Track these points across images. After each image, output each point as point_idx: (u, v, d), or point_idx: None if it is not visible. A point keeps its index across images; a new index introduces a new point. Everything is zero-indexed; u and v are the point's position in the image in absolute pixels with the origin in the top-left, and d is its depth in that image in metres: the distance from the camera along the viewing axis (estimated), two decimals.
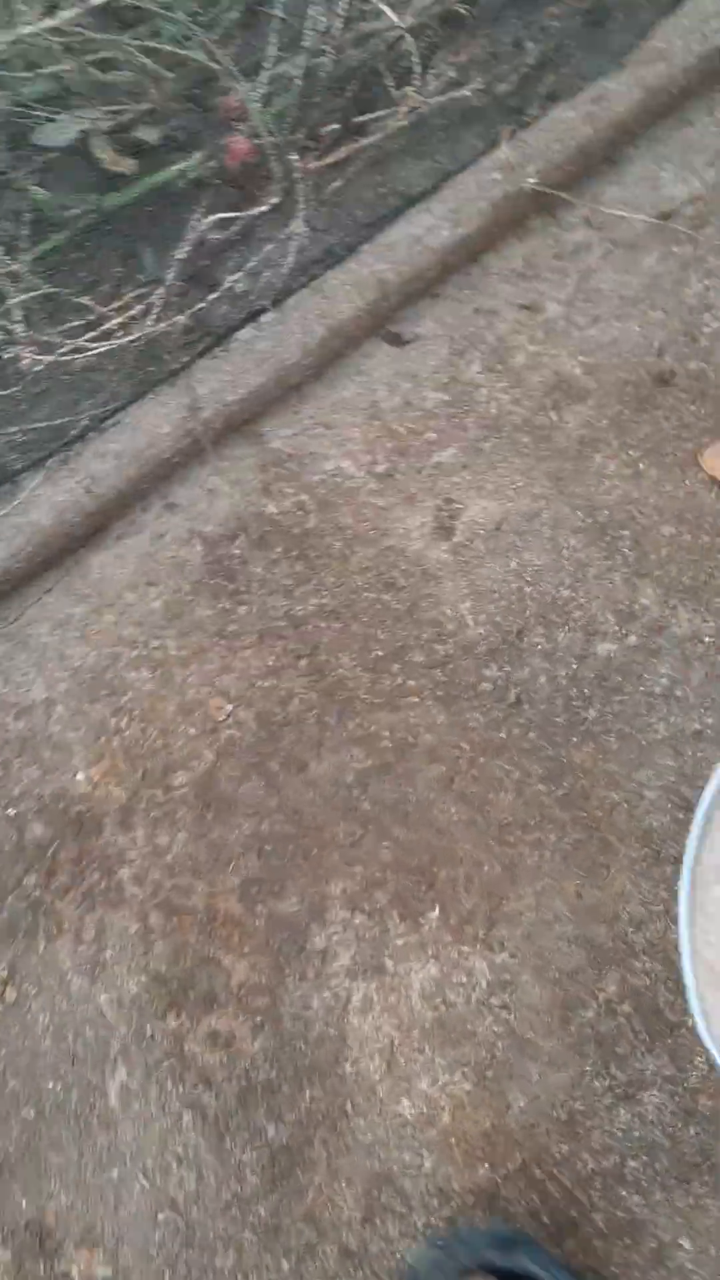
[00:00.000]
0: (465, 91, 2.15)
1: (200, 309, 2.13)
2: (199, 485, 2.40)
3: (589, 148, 2.23)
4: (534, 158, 2.20)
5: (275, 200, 2.11)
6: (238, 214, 2.10)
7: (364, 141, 2.14)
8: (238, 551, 2.34)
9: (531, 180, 2.18)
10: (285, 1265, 1.91)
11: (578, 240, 2.37)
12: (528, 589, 2.17)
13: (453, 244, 2.23)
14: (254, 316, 2.21)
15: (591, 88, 2.21)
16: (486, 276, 2.39)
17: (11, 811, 2.28)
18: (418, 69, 2.14)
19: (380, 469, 2.33)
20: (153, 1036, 2.08)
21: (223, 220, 2.09)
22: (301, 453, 2.37)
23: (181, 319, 2.13)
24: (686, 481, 2.15)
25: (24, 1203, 2.04)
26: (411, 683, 2.17)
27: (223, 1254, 1.94)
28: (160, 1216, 1.99)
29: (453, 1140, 1.90)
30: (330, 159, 2.12)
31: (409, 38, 2.11)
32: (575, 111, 2.21)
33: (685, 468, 2.16)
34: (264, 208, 2.09)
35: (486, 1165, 1.89)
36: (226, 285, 2.12)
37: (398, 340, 2.41)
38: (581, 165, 2.26)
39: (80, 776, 2.27)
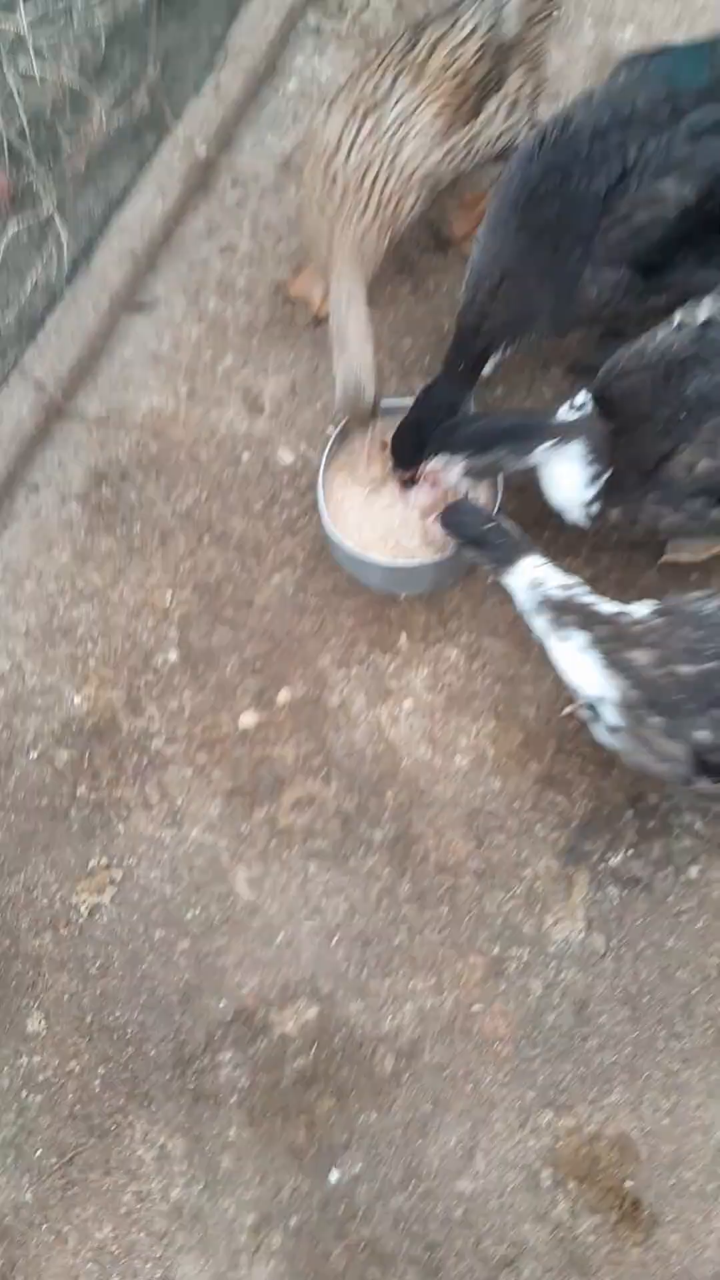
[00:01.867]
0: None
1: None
2: (50, 465, 2.88)
3: (225, 126, 3.02)
4: (198, 132, 2.96)
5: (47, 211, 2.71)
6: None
7: (86, 149, 2.80)
8: (108, 493, 2.85)
9: (202, 150, 2.93)
10: (444, 910, 2.44)
11: (236, 196, 3.13)
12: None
13: (165, 215, 2.93)
14: (53, 302, 2.78)
15: (209, 79, 3.01)
16: (184, 242, 3.08)
17: (34, 754, 2.63)
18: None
19: (183, 391, 2.94)
20: (250, 833, 2.53)
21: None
22: (118, 407, 2.93)
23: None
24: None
25: (223, 1004, 2.41)
26: (293, 510, 2.80)
27: (396, 933, 2.43)
28: (334, 941, 2.44)
29: (504, 760, 2.54)
30: (70, 167, 2.76)
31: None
32: (208, 98, 3.00)
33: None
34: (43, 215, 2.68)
35: (535, 764, 2.54)
36: (33, 282, 2.68)
37: (142, 306, 3.05)
38: (222, 137, 3.05)
39: (77, 700, 2.67)
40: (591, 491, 2.28)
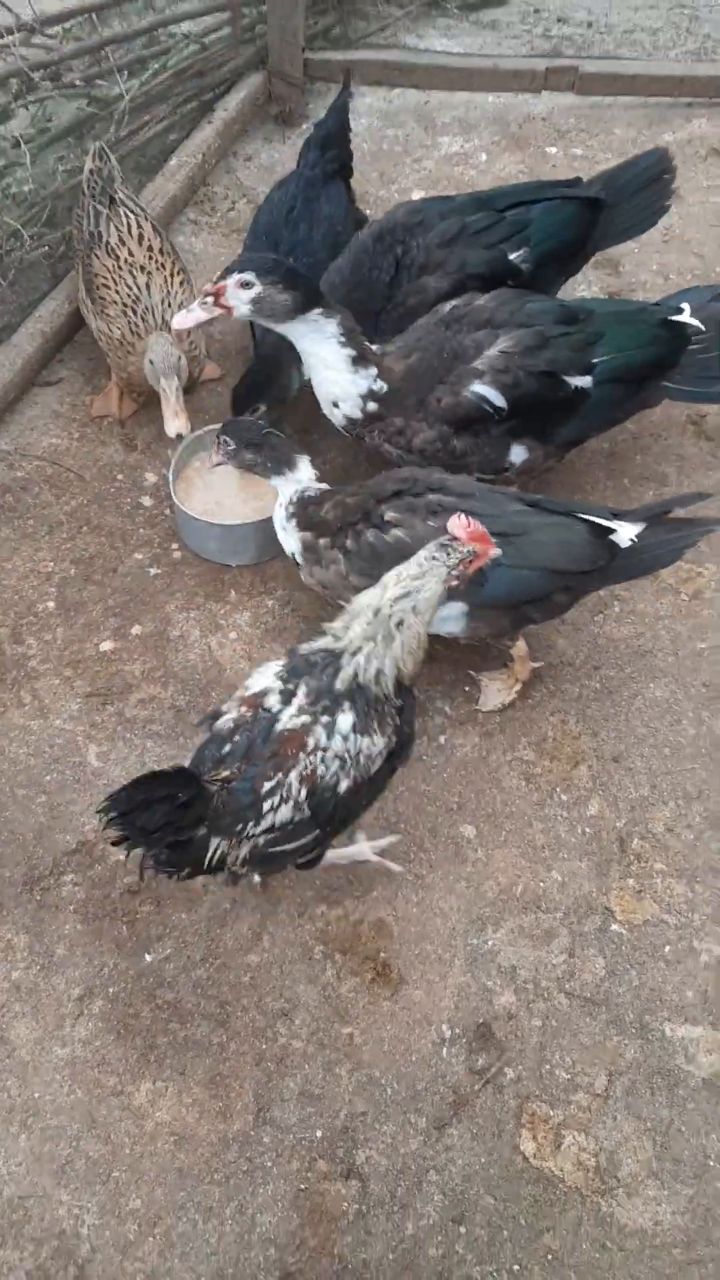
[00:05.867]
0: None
1: None
2: None
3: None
4: None
5: None
6: None
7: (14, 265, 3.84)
8: (10, 499, 3.68)
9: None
10: None
11: None
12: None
13: (69, 315, 3.94)
14: None
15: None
16: (86, 338, 4.06)
17: None
18: None
19: (76, 435, 3.85)
20: (101, 722, 3.20)
21: None
22: (24, 444, 3.81)
23: None
24: None
25: (68, 838, 3.00)
26: (153, 511, 3.64)
27: None
28: None
29: None
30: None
31: None
32: None
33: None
34: None
35: None
36: None
37: (48, 383, 4.00)
38: None
39: None
40: (362, 382, 3.13)
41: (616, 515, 2.92)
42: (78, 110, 4.70)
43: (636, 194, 3.70)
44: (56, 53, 4.53)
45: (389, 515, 2.89)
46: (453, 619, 2.92)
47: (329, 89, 5.10)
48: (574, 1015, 2.72)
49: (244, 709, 2.49)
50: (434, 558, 2.40)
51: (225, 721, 2.50)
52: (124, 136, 4.58)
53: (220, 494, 3.52)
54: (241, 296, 3.02)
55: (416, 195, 4.69)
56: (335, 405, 3.25)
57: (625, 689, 3.25)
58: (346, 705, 2.43)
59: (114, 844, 2.34)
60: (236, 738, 2.45)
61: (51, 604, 3.43)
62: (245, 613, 3.42)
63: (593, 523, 2.87)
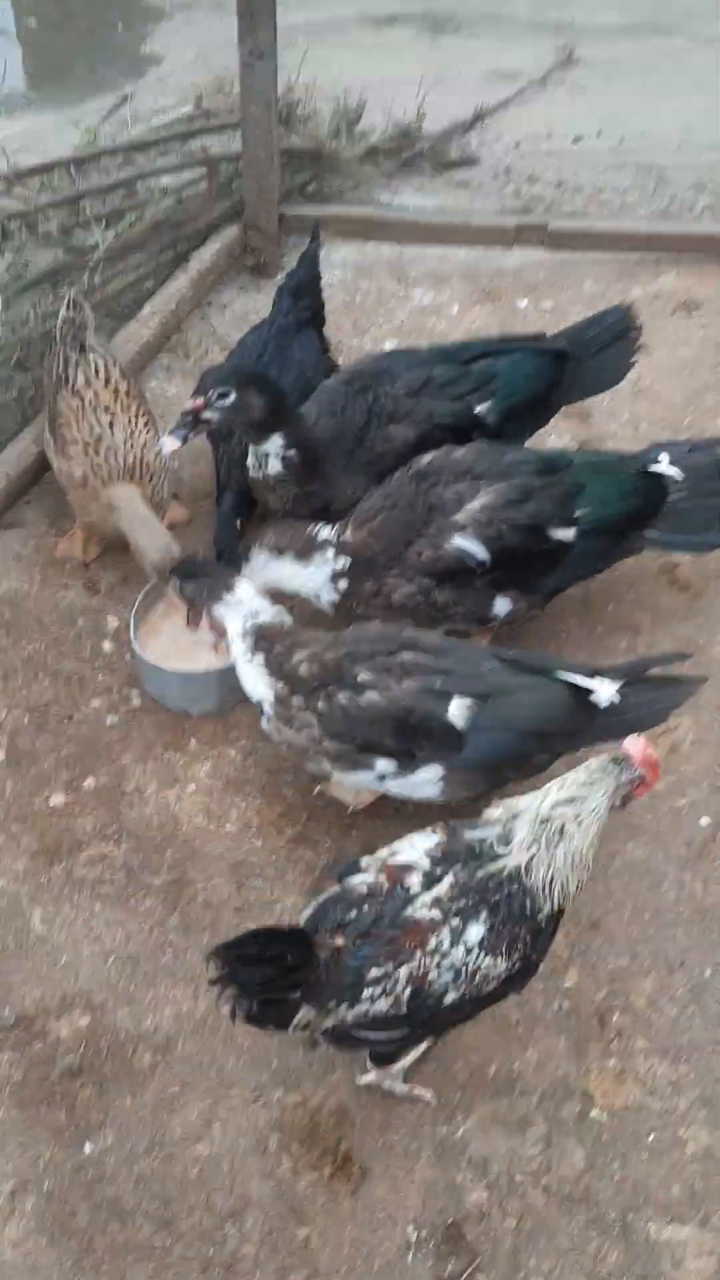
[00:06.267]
0: None
1: None
2: None
3: None
4: None
5: None
6: None
7: None
8: None
9: None
10: (206, 936, 2.90)
11: None
12: None
13: (36, 458, 3.88)
14: None
15: None
16: (51, 482, 3.99)
17: None
18: None
19: (39, 579, 3.74)
20: (47, 883, 3.02)
21: None
22: None
23: None
24: None
25: (6, 1012, 2.79)
26: (113, 657, 3.52)
27: (163, 955, 2.88)
28: (109, 962, 2.87)
29: (266, 826, 3.11)
30: None
31: None
32: None
33: None
34: None
35: (291, 829, 3.11)
36: None
37: (12, 525, 3.91)
38: None
39: None
40: (325, 568, 3.12)
41: (596, 673, 2.81)
42: (54, 258, 4.72)
43: (603, 350, 3.72)
44: (33, 203, 4.57)
45: (362, 676, 2.77)
46: (429, 783, 2.79)
47: (304, 241, 5.12)
48: (551, 1214, 2.49)
49: (382, 876, 2.34)
50: (605, 770, 2.27)
51: (359, 883, 2.35)
52: (99, 284, 4.59)
53: (182, 641, 3.39)
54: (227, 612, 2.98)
55: (389, 345, 4.71)
56: (317, 598, 3.24)
57: (603, 849, 3.06)
58: (483, 914, 2.26)
59: (211, 983, 2.21)
60: (365, 906, 2.30)
61: (1, 754, 3.27)
62: (206, 763, 3.26)
63: (571, 683, 2.76)
